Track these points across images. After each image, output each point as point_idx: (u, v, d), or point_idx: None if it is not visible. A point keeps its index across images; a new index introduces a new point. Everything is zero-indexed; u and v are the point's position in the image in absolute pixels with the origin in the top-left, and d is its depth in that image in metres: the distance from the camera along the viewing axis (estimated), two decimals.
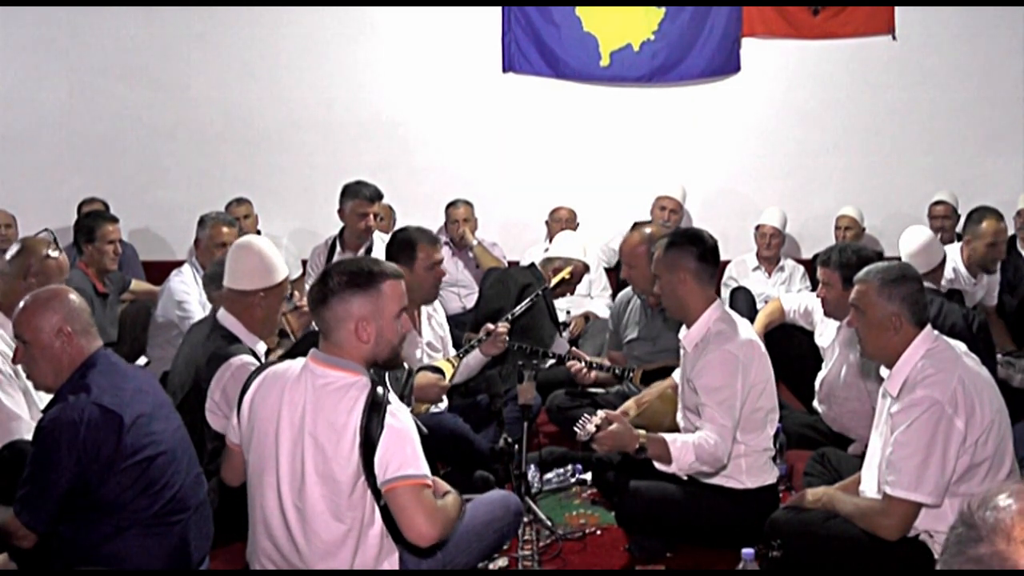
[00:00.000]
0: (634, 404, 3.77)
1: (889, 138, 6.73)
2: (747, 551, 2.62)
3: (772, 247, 6.12)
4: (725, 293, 5.66)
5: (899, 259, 3.97)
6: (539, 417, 4.26)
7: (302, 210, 6.67)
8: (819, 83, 6.69)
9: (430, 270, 4.02)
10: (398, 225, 5.67)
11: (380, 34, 6.72)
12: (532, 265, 5.05)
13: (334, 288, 2.46)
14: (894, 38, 6.62)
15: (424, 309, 4.15)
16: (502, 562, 3.23)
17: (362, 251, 5.16)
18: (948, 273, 4.80)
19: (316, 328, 2.56)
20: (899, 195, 6.65)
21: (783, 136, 6.74)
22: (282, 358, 2.82)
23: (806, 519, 2.91)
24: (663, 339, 4.29)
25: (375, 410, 2.38)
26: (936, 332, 2.86)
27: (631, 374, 4.31)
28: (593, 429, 3.07)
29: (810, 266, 5.77)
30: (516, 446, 3.41)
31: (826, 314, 4.02)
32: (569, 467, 3.98)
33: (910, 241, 4.54)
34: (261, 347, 3.39)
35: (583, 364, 4.38)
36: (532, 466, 3.79)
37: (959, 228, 5.79)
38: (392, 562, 2.52)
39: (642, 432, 3.11)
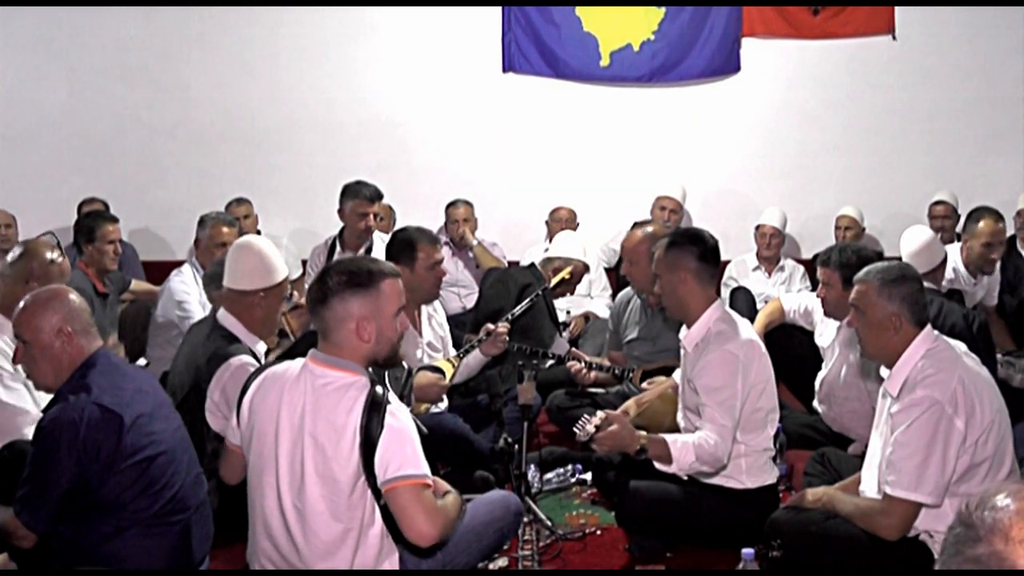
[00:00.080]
0: (634, 404, 3.77)
1: (889, 138, 6.73)
2: (747, 551, 2.62)
3: (772, 247, 6.12)
4: (725, 293, 5.66)
5: (899, 259, 3.97)
6: (539, 417, 4.26)
7: (302, 210, 6.67)
8: (819, 83, 6.69)
9: (430, 270, 4.02)
10: (398, 225, 5.67)
11: (380, 34, 6.72)
12: (532, 265, 5.05)
13: (334, 288, 2.46)
14: (894, 38, 6.62)
15: (424, 309, 4.15)
16: (502, 562, 3.23)
17: (362, 251, 5.16)
18: (948, 273, 4.80)
19: (314, 328, 2.56)
20: (899, 195, 6.65)
21: (783, 136, 6.74)
22: (280, 358, 2.82)
23: (806, 519, 2.91)
24: (663, 339, 4.29)
25: (375, 410, 2.38)
26: (936, 332, 2.86)
27: (631, 374, 4.31)
28: (592, 430, 3.07)
29: (810, 266, 5.77)
30: (516, 446, 3.41)
31: (826, 314, 4.02)
32: (569, 467, 3.98)
33: (911, 241, 4.54)
34: (261, 347, 3.39)
35: (583, 364, 4.38)
36: (532, 466, 3.79)
37: (959, 228, 5.79)
38: (392, 562, 2.52)
39: (643, 433, 3.11)
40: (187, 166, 6.77)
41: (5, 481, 2.80)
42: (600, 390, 4.41)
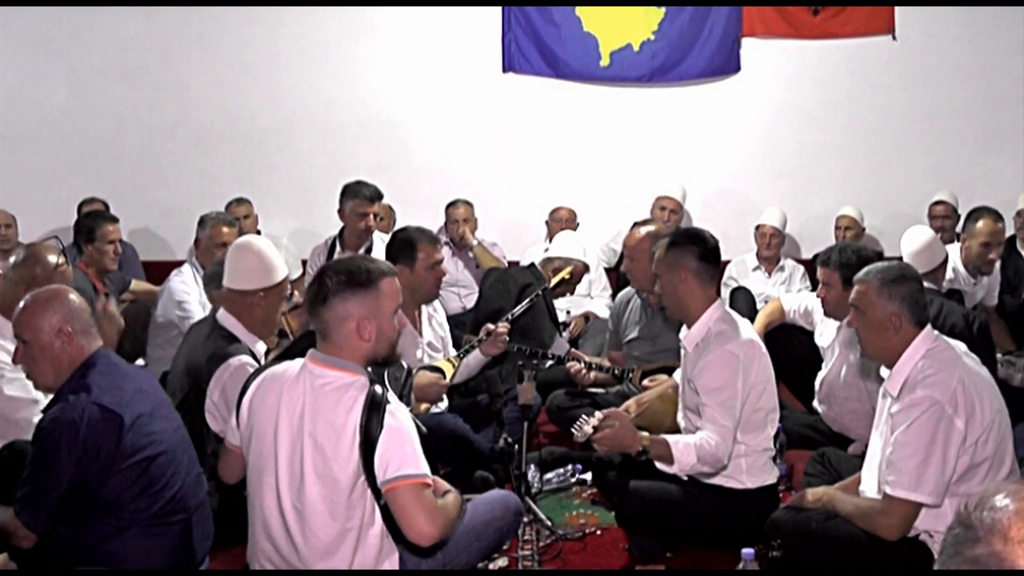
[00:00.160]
0: (635, 404, 3.77)
1: (889, 138, 6.73)
2: (747, 551, 2.62)
3: (772, 247, 6.12)
4: (725, 293, 5.66)
5: (899, 259, 3.97)
6: (539, 417, 4.26)
7: (302, 210, 6.67)
8: (819, 83, 6.69)
9: (430, 270, 4.02)
10: (398, 225, 5.67)
11: (380, 34, 6.72)
12: (532, 265, 5.05)
13: (333, 288, 2.46)
14: (894, 38, 6.62)
15: (424, 309, 4.15)
16: (502, 562, 3.23)
17: (362, 251, 5.16)
18: (948, 273, 4.80)
19: (313, 329, 2.56)
20: (899, 195, 6.65)
21: (783, 136, 6.74)
22: (278, 359, 2.82)
23: (806, 519, 2.91)
24: (663, 339, 4.29)
25: (374, 409, 2.38)
26: (936, 332, 2.86)
27: (631, 374, 4.31)
28: (590, 430, 3.07)
29: (810, 266, 5.77)
30: (516, 446, 3.41)
31: (826, 314, 4.02)
32: (569, 467, 3.98)
33: (912, 241, 4.54)
34: (261, 347, 3.39)
35: (583, 364, 4.38)
36: (532, 466, 3.79)
37: (959, 228, 5.79)
38: (392, 562, 2.52)
39: (644, 434, 3.11)
40: (187, 166, 6.77)
41: (5, 481, 2.80)
42: (600, 390, 4.40)
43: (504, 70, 6.71)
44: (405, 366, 3.45)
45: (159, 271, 5.63)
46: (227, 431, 2.68)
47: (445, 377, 3.84)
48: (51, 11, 6.60)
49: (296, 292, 4.76)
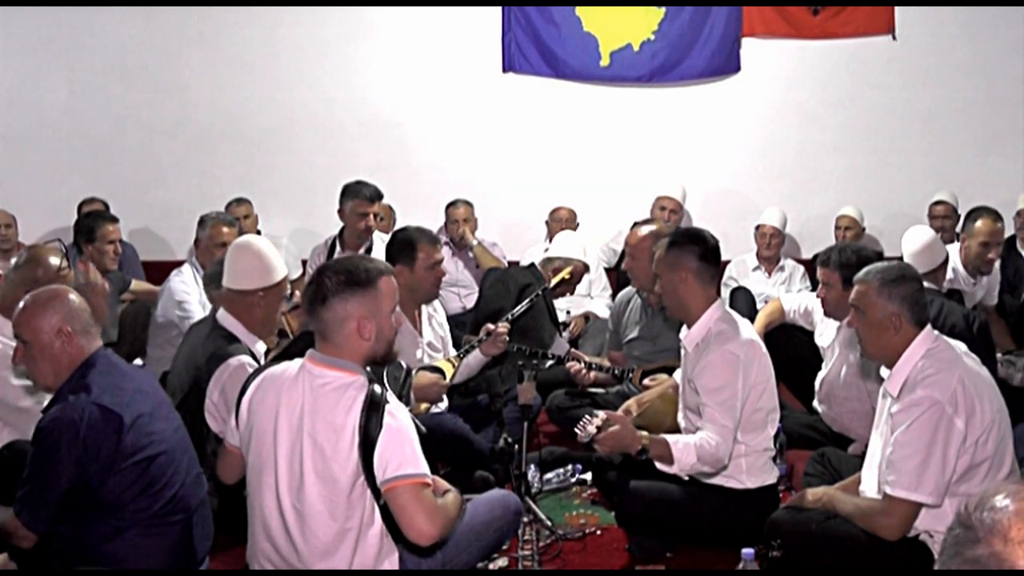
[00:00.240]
0: (635, 404, 3.77)
1: (889, 138, 6.73)
2: (747, 551, 2.62)
3: (772, 247, 6.12)
4: (725, 293, 5.66)
5: (899, 259, 3.97)
6: (539, 417, 4.26)
7: (302, 210, 6.67)
8: (819, 83, 6.69)
9: (430, 270, 4.02)
10: (398, 225, 5.67)
11: (380, 34, 6.72)
12: (532, 265, 5.05)
13: (333, 288, 2.46)
14: (894, 38, 6.62)
15: (424, 309, 4.15)
16: (502, 562, 3.23)
17: (362, 251, 5.16)
18: (948, 273, 4.79)
19: (312, 329, 2.55)
20: (899, 195, 6.65)
21: (783, 136, 6.74)
22: (276, 359, 2.82)
23: (806, 519, 2.91)
24: (663, 339, 4.29)
25: (373, 409, 2.38)
26: (936, 332, 2.86)
27: (631, 374, 4.31)
28: (594, 431, 3.07)
29: (810, 266, 5.77)
30: (516, 446, 3.41)
31: (826, 314, 4.02)
32: (569, 467, 3.98)
33: (912, 241, 4.53)
34: (260, 347, 3.39)
35: (583, 364, 4.38)
36: (532, 466, 3.79)
37: (959, 228, 5.79)
38: (392, 562, 2.52)
39: (644, 433, 3.11)
40: (187, 166, 6.77)
41: (5, 481, 2.80)
42: (600, 390, 4.41)
43: (504, 70, 6.71)
44: (404, 366, 3.45)
45: (159, 271, 5.62)
46: (226, 431, 2.68)
47: (445, 377, 3.84)
48: (51, 11, 6.60)
49: (296, 292, 4.76)
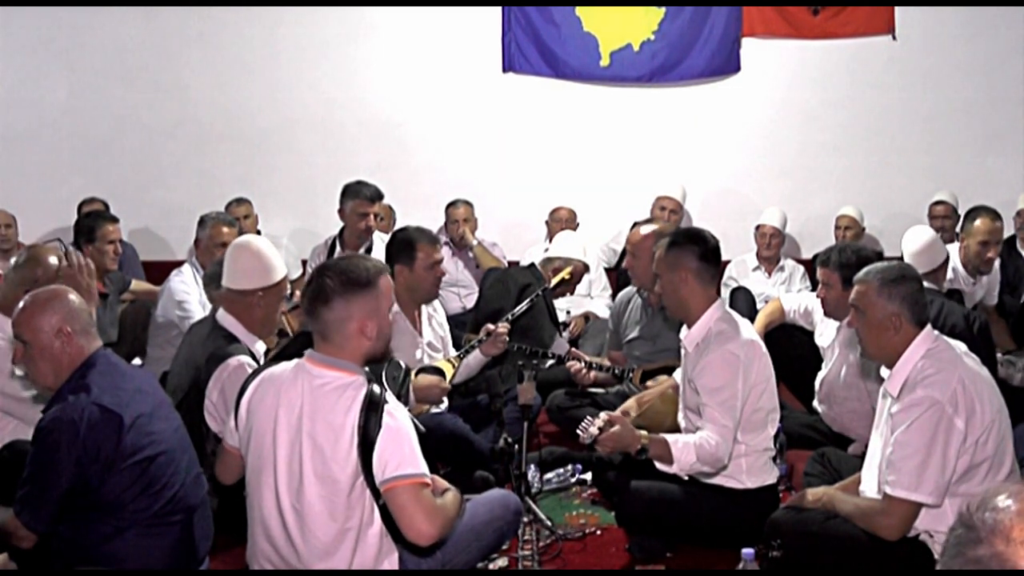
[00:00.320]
0: (635, 403, 3.77)
1: (889, 138, 6.73)
2: (747, 551, 2.62)
3: (772, 247, 6.12)
4: (725, 293, 5.66)
5: (899, 259, 3.97)
6: (539, 417, 4.26)
7: (302, 210, 6.67)
8: (819, 83, 6.69)
9: (430, 269, 4.02)
10: (398, 225, 5.67)
11: (380, 34, 6.72)
12: (532, 265, 5.05)
13: (337, 289, 2.46)
14: (894, 38, 6.62)
15: (424, 309, 4.15)
16: (502, 562, 3.23)
17: (362, 251, 5.16)
18: (948, 273, 4.79)
19: (311, 330, 2.55)
20: (899, 195, 6.65)
21: (783, 136, 6.74)
22: (275, 358, 2.81)
23: (806, 519, 2.91)
24: (663, 338, 4.29)
25: (372, 409, 2.38)
26: (936, 332, 2.85)
27: (631, 374, 4.31)
28: (596, 432, 3.07)
29: (810, 266, 5.77)
30: (516, 446, 3.41)
31: (826, 314, 4.02)
32: (569, 467, 3.98)
33: (913, 241, 4.53)
34: (260, 347, 3.39)
35: (583, 364, 4.38)
36: (532, 466, 3.79)
37: (959, 228, 5.79)
38: (392, 562, 2.52)
39: (644, 433, 3.12)
40: (187, 166, 6.77)
41: (5, 481, 2.80)
42: (600, 390, 4.41)
43: (504, 70, 6.71)
44: (403, 365, 3.44)
45: (159, 271, 5.62)
46: (225, 432, 2.68)
47: (445, 378, 3.85)
48: (51, 11, 6.60)
49: (296, 292, 4.76)
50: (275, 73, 6.72)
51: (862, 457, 3.07)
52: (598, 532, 3.53)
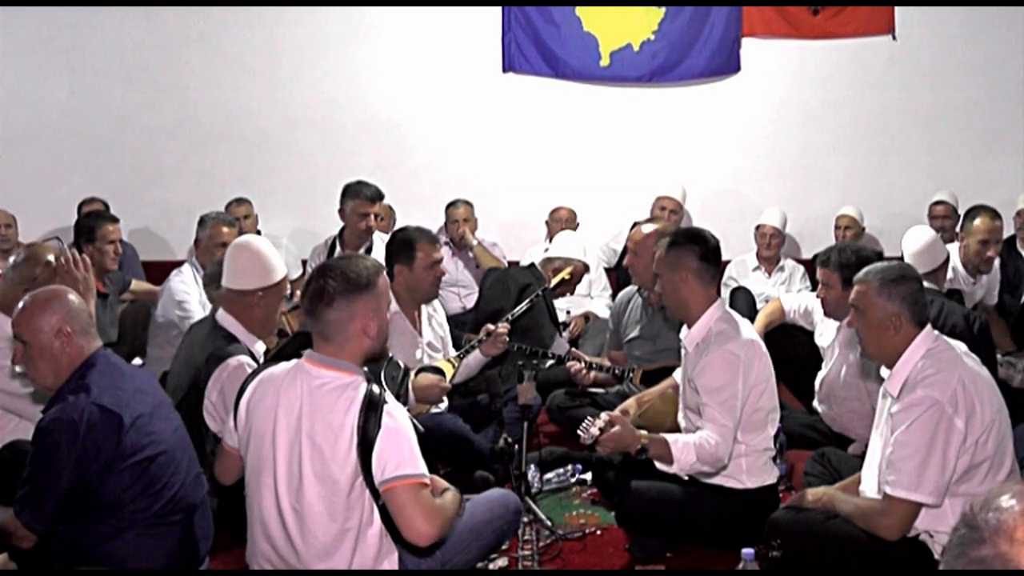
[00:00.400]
0: (635, 403, 3.77)
1: (889, 138, 6.73)
2: (747, 551, 2.62)
3: (772, 247, 6.12)
4: (725, 293, 5.65)
5: (899, 259, 3.96)
6: (539, 417, 4.26)
7: (302, 210, 6.67)
8: (819, 83, 6.69)
9: (429, 269, 4.02)
10: (398, 225, 5.67)
11: (380, 34, 6.72)
12: (532, 265, 5.05)
13: (338, 289, 2.46)
14: (894, 38, 6.62)
15: (424, 309, 4.15)
16: (502, 562, 3.23)
17: (362, 251, 5.15)
18: (948, 273, 4.79)
19: (311, 330, 2.55)
20: (899, 195, 6.65)
21: (783, 136, 6.74)
22: (274, 358, 2.81)
23: (806, 519, 2.91)
24: (663, 338, 4.29)
25: (372, 409, 2.38)
26: (936, 332, 2.85)
27: (631, 374, 4.31)
28: (597, 432, 3.07)
29: (810, 266, 5.77)
30: (516, 446, 3.41)
31: (826, 314, 4.02)
32: (569, 467, 3.98)
33: (913, 241, 4.53)
34: (260, 347, 3.39)
35: (583, 364, 4.37)
36: (532, 466, 3.79)
37: (958, 228, 5.79)
38: (391, 562, 2.52)
39: (644, 433, 3.11)
40: (187, 166, 6.77)
41: (5, 481, 2.80)
42: (600, 390, 4.40)
43: (504, 70, 6.71)
44: (402, 365, 3.44)
45: (159, 271, 5.62)
46: (224, 432, 2.67)
47: (445, 378, 3.84)
48: (51, 11, 6.60)
49: (296, 292, 4.75)
50: (275, 73, 6.72)
51: (862, 457, 3.07)
52: (598, 532, 3.53)
